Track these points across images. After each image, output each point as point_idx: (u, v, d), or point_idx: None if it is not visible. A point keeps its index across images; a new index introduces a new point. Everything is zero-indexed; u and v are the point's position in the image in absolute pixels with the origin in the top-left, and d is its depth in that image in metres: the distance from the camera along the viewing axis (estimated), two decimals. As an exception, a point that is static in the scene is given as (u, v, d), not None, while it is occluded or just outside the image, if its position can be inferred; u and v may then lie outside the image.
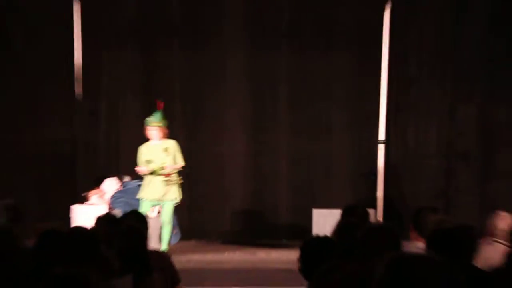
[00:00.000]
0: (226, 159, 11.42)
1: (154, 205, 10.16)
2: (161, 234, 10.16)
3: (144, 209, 9.99)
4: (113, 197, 10.32)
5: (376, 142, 11.86)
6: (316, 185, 11.85)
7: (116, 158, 11.79)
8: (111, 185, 10.52)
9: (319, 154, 11.86)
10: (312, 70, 11.85)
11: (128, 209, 8.70)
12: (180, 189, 10.21)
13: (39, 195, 11.58)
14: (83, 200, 10.41)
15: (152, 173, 10.03)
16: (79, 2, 11.67)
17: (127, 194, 10.30)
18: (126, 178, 10.64)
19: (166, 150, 10.08)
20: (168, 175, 10.07)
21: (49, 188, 11.63)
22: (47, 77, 11.69)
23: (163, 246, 10.12)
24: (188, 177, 11.77)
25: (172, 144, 10.16)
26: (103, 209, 9.78)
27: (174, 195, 10.16)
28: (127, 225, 5.67)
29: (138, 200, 10.16)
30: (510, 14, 11.67)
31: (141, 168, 10.01)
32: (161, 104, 10.21)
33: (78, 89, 11.76)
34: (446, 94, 11.83)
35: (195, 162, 11.77)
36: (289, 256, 9.83)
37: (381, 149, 11.85)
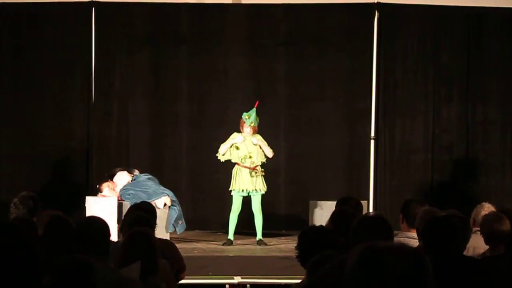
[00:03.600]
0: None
1: (244, 196, 10.04)
2: (254, 224, 10.09)
3: (235, 200, 9.97)
4: (122, 189, 10.20)
5: (367, 138, 11.91)
6: (312, 179, 11.79)
7: (127, 153, 11.80)
8: (122, 178, 10.40)
9: (314, 150, 11.83)
10: (308, 74, 11.88)
11: (137, 201, 8.54)
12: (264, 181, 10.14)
13: (58, 186, 11.49)
14: (96, 191, 10.31)
15: (239, 163, 10.00)
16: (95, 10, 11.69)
17: (136, 187, 10.17)
18: (136, 172, 10.55)
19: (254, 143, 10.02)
20: (254, 168, 10.00)
21: (67, 180, 11.60)
22: (67, 79, 11.72)
23: (258, 236, 10.04)
24: (192, 171, 11.82)
25: (259, 138, 10.09)
26: (113, 201, 9.60)
27: (260, 186, 10.03)
28: (136, 215, 5.56)
29: (146, 192, 10.01)
30: (483, 21, 11.87)
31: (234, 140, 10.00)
32: (257, 103, 10.23)
33: (94, 91, 11.79)
34: (429, 95, 11.95)
35: (200, 156, 11.74)
36: (287, 245, 9.76)
37: (372, 144, 11.92)
